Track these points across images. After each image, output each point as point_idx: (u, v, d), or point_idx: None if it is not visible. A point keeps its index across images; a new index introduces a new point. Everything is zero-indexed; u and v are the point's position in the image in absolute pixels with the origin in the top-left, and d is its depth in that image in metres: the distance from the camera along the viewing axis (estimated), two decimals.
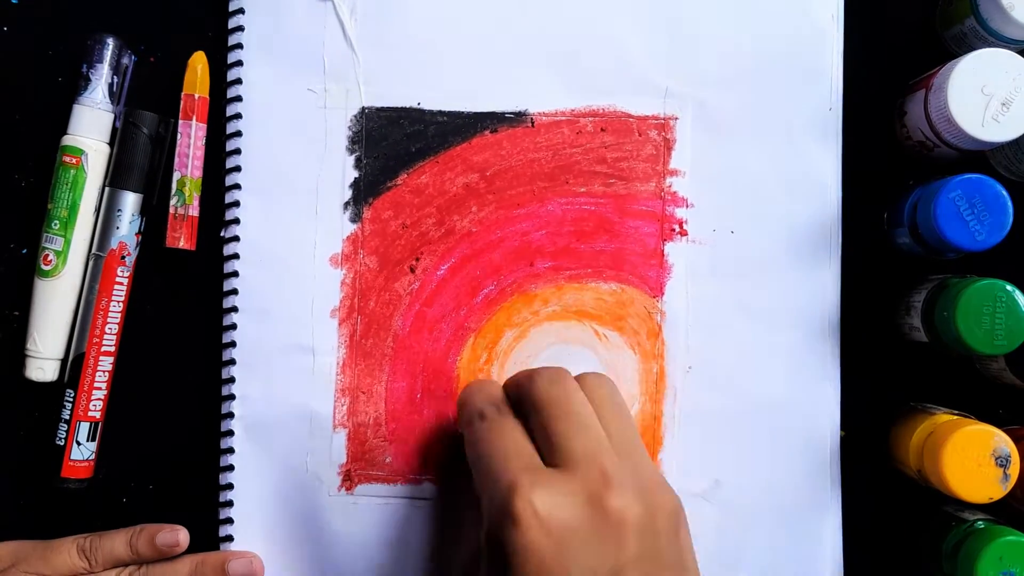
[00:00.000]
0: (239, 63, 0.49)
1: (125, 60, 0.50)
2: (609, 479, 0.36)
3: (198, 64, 0.49)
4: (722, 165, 0.48)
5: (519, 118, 0.48)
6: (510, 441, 0.39)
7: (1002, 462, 0.42)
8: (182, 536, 0.49)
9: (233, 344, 0.49)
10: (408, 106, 0.49)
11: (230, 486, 0.48)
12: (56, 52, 0.51)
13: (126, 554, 0.49)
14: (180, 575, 0.48)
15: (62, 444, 0.49)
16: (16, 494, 0.50)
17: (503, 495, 0.36)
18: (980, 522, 0.45)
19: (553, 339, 0.48)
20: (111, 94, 0.49)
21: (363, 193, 0.49)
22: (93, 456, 0.49)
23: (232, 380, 0.49)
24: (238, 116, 0.49)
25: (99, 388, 0.49)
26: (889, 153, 0.49)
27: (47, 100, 0.50)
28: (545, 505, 0.36)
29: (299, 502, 0.48)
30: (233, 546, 0.48)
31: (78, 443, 0.49)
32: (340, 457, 0.48)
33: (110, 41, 0.49)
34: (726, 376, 0.48)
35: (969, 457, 0.42)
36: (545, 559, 0.35)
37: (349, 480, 0.48)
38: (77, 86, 0.49)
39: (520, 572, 0.35)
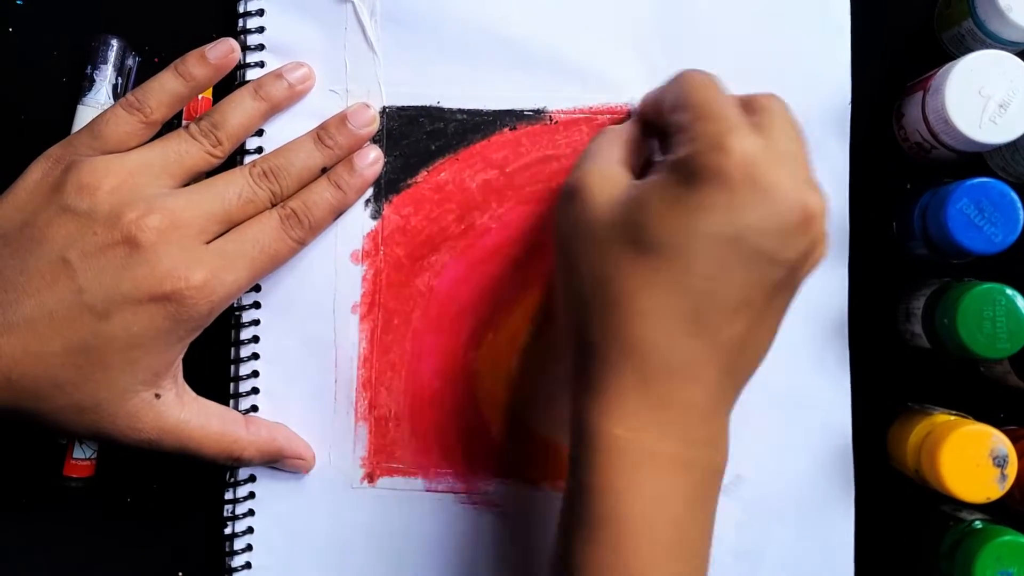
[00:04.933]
0: (260, 64, 0.48)
1: (129, 61, 0.49)
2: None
3: None
4: None
5: (538, 116, 0.49)
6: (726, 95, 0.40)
7: (1000, 462, 0.42)
8: (232, 43, 0.46)
9: (255, 339, 0.49)
10: (428, 105, 0.49)
11: (252, 478, 0.49)
12: (60, 53, 0.49)
13: (180, 85, 0.46)
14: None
15: (64, 442, 0.48)
16: (17, 492, 0.50)
17: (719, 130, 0.37)
18: (978, 522, 0.45)
19: None
20: (115, 95, 0.48)
21: (384, 191, 0.49)
22: (95, 455, 0.49)
23: (254, 374, 0.49)
24: None
25: None
26: (887, 154, 0.49)
27: (51, 101, 0.48)
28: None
29: (321, 495, 0.49)
30: (253, 539, 0.49)
31: (80, 441, 0.48)
32: (362, 450, 0.49)
33: (114, 42, 0.48)
34: None
35: (967, 457, 0.42)
36: (736, 187, 0.37)
37: (371, 473, 0.49)
38: (81, 87, 0.48)
39: (710, 189, 0.37)
